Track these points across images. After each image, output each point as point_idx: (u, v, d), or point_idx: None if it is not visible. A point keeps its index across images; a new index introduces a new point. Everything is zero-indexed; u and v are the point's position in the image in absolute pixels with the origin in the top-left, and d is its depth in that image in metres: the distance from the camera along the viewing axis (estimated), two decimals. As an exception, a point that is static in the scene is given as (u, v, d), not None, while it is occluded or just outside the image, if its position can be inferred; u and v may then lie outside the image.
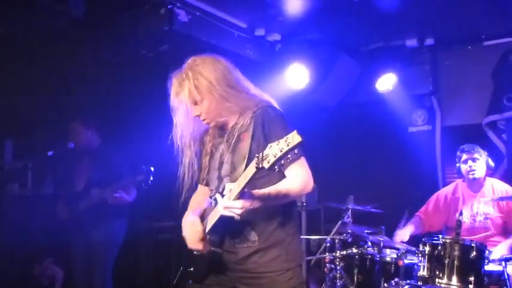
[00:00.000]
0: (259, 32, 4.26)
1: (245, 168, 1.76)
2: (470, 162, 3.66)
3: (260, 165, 1.64)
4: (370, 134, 4.85)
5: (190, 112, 2.05)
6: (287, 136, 1.62)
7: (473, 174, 3.66)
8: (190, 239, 2.02)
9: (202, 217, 2.06)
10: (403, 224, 3.70)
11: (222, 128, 2.11)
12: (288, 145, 1.61)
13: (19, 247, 4.14)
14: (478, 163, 3.65)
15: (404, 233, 3.63)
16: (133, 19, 3.66)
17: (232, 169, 1.96)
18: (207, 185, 2.18)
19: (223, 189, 1.85)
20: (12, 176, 4.32)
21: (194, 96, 1.98)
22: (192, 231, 2.01)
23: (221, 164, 2.05)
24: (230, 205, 1.77)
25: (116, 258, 3.88)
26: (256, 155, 1.66)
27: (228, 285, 2.04)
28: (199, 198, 2.22)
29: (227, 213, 1.79)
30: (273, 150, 1.62)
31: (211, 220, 1.94)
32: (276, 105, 2.06)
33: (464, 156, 3.70)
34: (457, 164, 3.80)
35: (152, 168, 3.61)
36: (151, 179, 3.60)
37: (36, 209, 4.38)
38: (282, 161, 1.65)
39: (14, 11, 3.53)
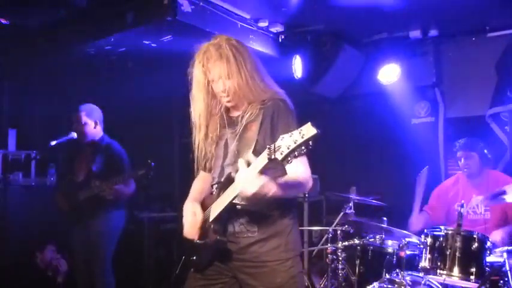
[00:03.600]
0: (263, 23, 4.24)
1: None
2: (463, 160, 3.68)
3: (273, 156, 1.59)
4: (373, 126, 4.85)
5: (214, 85, 2.01)
6: (301, 128, 1.57)
7: (466, 170, 3.68)
8: (189, 227, 2.03)
9: (203, 206, 2.06)
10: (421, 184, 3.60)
11: (229, 116, 2.09)
12: (302, 137, 1.56)
13: (22, 236, 4.18)
14: (472, 160, 3.66)
15: (418, 223, 3.63)
16: (136, 9, 3.65)
17: (236, 158, 1.94)
18: (209, 171, 2.17)
19: (226, 177, 1.84)
20: (16, 166, 4.34)
21: (226, 69, 1.95)
22: (193, 220, 2.02)
23: (226, 152, 2.04)
24: (255, 180, 1.67)
25: (118, 249, 3.91)
26: (268, 146, 1.62)
27: (229, 275, 2.05)
28: (200, 185, 2.22)
29: (247, 188, 1.70)
30: (286, 142, 1.57)
31: (216, 209, 1.94)
32: (288, 100, 2.04)
33: (459, 153, 3.71)
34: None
35: (152, 163, 3.62)
36: (152, 174, 3.60)
37: (40, 198, 4.41)
38: (296, 153, 1.58)
39: (16, 0, 3.53)
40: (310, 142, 1.57)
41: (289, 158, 1.59)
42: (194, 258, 2.04)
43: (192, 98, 2.08)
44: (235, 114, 2.07)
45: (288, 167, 1.83)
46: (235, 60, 1.96)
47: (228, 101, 2.03)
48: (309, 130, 1.56)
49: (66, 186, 3.90)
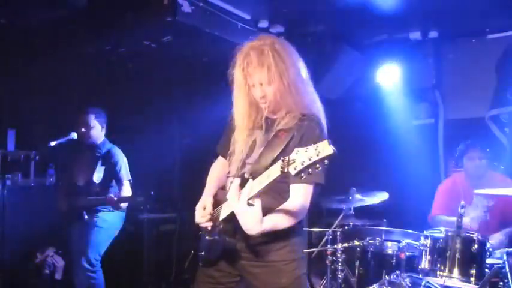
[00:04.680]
0: (263, 23, 4.24)
1: (270, 166, 1.73)
2: (477, 161, 3.65)
3: (286, 170, 1.58)
4: (373, 127, 4.85)
5: (253, 90, 1.97)
6: (317, 145, 1.54)
7: (478, 172, 3.65)
8: (198, 218, 2.04)
9: (216, 200, 2.05)
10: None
11: (267, 117, 2.04)
12: (317, 155, 1.53)
13: (21, 237, 4.17)
14: (484, 162, 3.64)
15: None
16: (136, 9, 3.65)
17: (258, 160, 1.94)
18: (229, 161, 2.14)
19: (242, 176, 1.84)
20: (15, 167, 4.33)
21: (266, 77, 1.90)
22: (203, 213, 2.02)
23: (251, 150, 2.02)
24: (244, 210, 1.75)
25: (118, 249, 3.93)
26: (282, 158, 1.61)
27: (235, 273, 2.06)
28: (218, 172, 2.22)
29: (237, 213, 1.78)
30: (301, 157, 1.55)
31: (226, 209, 1.94)
32: (323, 117, 2.02)
33: (472, 153, 3.67)
34: (456, 155, 3.78)
35: (152, 192, 3.71)
36: (148, 206, 3.69)
37: (39, 199, 4.40)
38: (310, 170, 1.56)
39: (15, 0, 3.52)
40: (326, 161, 1.54)
41: (302, 174, 1.57)
42: (203, 253, 2.05)
43: (234, 99, 2.04)
44: (273, 116, 2.04)
45: (291, 187, 1.88)
46: (277, 68, 1.89)
47: (267, 107, 1.99)
48: (325, 148, 1.53)
49: (65, 188, 3.91)
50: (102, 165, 3.86)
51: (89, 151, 3.94)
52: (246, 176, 1.84)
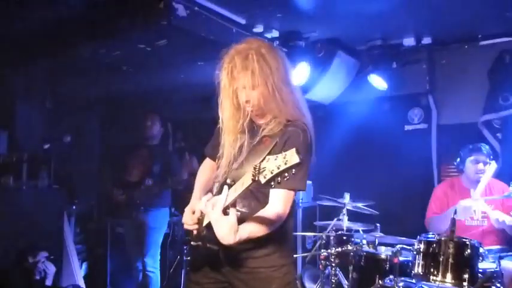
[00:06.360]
0: (258, 28, 4.25)
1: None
2: (481, 165, 3.66)
3: (256, 178, 1.58)
4: (367, 132, 4.87)
5: (239, 94, 1.95)
6: (285, 153, 1.54)
7: (481, 177, 3.65)
8: (186, 221, 2.03)
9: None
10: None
11: (253, 122, 2.03)
12: (285, 163, 1.52)
13: (12, 240, 4.12)
14: (488, 166, 3.66)
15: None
16: (131, 13, 3.64)
17: (241, 166, 1.93)
18: (217, 164, 2.13)
19: (225, 181, 1.83)
20: (7, 169, 4.30)
21: (251, 81, 1.88)
22: (192, 217, 2.01)
23: (237, 155, 2.01)
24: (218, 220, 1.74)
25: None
26: (254, 165, 1.59)
27: (223, 280, 2.04)
28: (205, 175, 2.22)
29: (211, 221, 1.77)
30: (270, 165, 1.55)
31: (207, 216, 1.92)
32: (310, 124, 2.00)
33: (475, 157, 3.67)
34: (458, 160, 3.79)
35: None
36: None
37: (31, 202, 4.36)
38: (279, 179, 1.56)
39: (10, 2, 3.50)
40: (293, 170, 1.54)
41: (272, 183, 1.57)
42: (189, 258, 2.07)
43: (221, 103, 2.02)
44: (259, 121, 2.03)
45: (271, 193, 1.88)
46: (262, 73, 1.87)
47: (252, 111, 1.98)
48: (292, 157, 1.52)
49: (122, 183, 4.23)
50: (159, 164, 4.20)
51: (145, 150, 4.27)
52: (228, 181, 1.82)
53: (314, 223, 4.58)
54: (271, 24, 4.27)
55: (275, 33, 4.38)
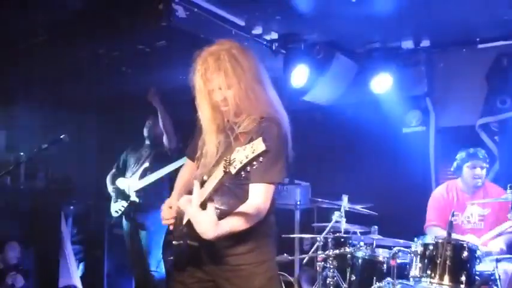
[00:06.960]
0: (257, 30, 4.26)
1: None
2: (478, 170, 3.67)
3: (227, 170, 1.61)
4: (365, 134, 4.87)
5: (214, 95, 1.98)
6: (253, 143, 1.59)
7: (478, 181, 3.67)
8: (164, 216, 2.09)
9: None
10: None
11: (229, 120, 2.06)
12: (253, 152, 1.57)
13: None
14: (485, 171, 3.67)
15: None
16: (130, 13, 3.64)
17: (216, 163, 1.93)
18: (196, 165, 2.17)
19: (202, 178, 1.86)
20: (5, 169, 4.29)
21: (224, 81, 1.92)
22: (170, 211, 2.07)
23: (215, 154, 2.03)
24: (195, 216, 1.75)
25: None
26: (224, 158, 1.63)
27: (207, 279, 2.05)
28: (185, 175, 2.26)
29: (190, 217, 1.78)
30: (239, 156, 1.59)
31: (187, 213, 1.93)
32: (284, 119, 2.02)
33: (472, 162, 3.68)
34: (455, 165, 3.80)
35: None
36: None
37: (29, 202, 4.36)
38: (248, 168, 1.61)
39: (9, 3, 3.50)
40: (261, 158, 1.59)
41: (242, 173, 1.61)
42: (172, 258, 2.06)
43: (197, 105, 2.06)
44: (235, 119, 2.06)
45: (250, 187, 1.90)
46: (234, 72, 1.92)
47: (227, 110, 2.01)
48: (259, 146, 1.57)
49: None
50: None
51: (146, 149, 4.33)
52: (205, 178, 1.85)
53: (312, 225, 4.59)
54: (271, 26, 4.28)
55: (274, 35, 4.39)
